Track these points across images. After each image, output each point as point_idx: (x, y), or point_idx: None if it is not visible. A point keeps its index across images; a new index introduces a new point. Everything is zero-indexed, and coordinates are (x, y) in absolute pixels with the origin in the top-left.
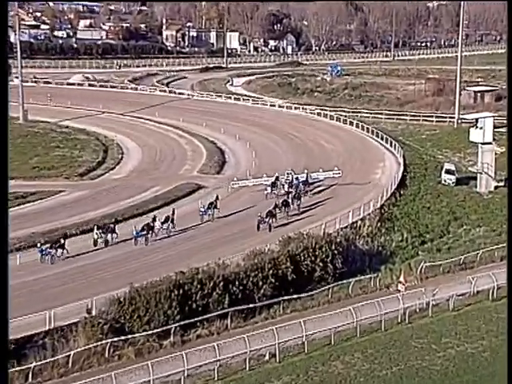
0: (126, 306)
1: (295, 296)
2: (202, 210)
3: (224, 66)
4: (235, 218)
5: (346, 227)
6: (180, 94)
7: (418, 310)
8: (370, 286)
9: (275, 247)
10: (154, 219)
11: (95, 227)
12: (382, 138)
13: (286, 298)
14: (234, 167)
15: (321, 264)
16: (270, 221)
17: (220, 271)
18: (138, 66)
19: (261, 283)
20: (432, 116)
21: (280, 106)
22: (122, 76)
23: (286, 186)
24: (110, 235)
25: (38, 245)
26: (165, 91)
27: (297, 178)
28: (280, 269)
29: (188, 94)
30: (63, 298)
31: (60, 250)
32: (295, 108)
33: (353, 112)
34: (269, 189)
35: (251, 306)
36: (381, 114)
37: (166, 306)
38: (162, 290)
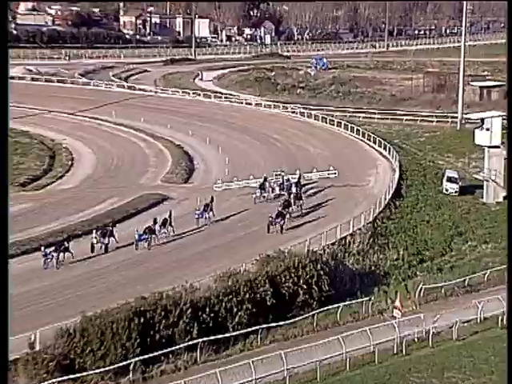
0: (77, 338)
1: (275, 324)
2: (198, 212)
3: (192, 57)
4: (233, 221)
5: (333, 244)
6: (141, 90)
7: (416, 340)
8: (362, 312)
9: (251, 267)
10: (154, 221)
11: (93, 231)
12: (374, 142)
13: (264, 326)
14: (204, 175)
15: (305, 286)
16: (282, 222)
17: (188, 296)
18: (90, 58)
19: (235, 309)
20: (432, 116)
21: (257, 105)
22: (72, 69)
23: (277, 189)
24: (108, 239)
25: (42, 248)
26: (123, 87)
27: (288, 180)
28: (258, 292)
29: (150, 91)
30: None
31: (62, 254)
32: (274, 107)
33: (341, 111)
34: (258, 192)
35: (224, 335)
36: (373, 113)
37: (125, 337)
38: (119, 319)
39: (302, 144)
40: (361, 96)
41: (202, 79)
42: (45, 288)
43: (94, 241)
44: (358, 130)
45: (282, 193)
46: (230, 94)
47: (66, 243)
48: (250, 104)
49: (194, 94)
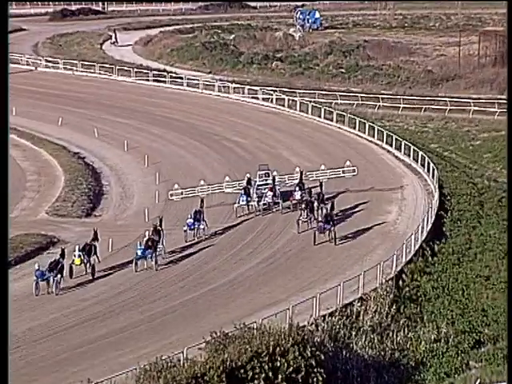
0: None
1: None
2: (189, 222)
3: (100, 9)
4: (235, 233)
5: (332, 314)
6: (14, 62)
7: None
8: None
9: (204, 355)
10: (157, 230)
11: (76, 247)
12: (398, 148)
13: None
14: (121, 203)
15: None
16: (332, 228)
17: None
18: None
19: None
20: (492, 104)
21: (207, 87)
22: None
23: (270, 195)
24: (92, 258)
25: (36, 266)
26: None
27: (283, 182)
28: None
29: (27, 63)
30: None
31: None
32: (235, 91)
33: (344, 97)
34: (242, 199)
35: None
36: (396, 100)
37: None
38: None
39: (280, 151)
40: (376, 73)
41: (116, 44)
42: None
43: (77, 261)
44: (371, 129)
45: (277, 201)
46: (164, 70)
47: (61, 260)
48: (195, 86)
49: (101, 69)
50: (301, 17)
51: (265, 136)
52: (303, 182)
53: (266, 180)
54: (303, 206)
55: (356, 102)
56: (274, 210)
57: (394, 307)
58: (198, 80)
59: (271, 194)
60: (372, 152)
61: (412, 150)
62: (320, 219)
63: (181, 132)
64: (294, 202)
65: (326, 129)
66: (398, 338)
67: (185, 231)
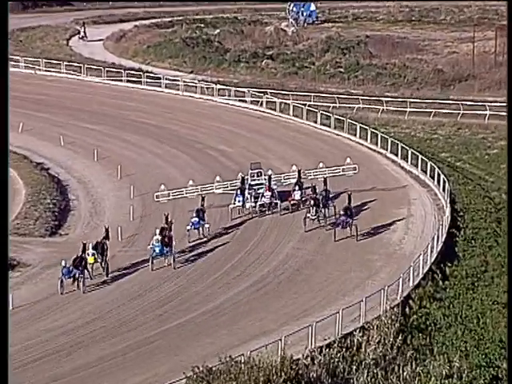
0: None
1: None
2: (196, 221)
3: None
4: (221, 252)
5: (330, 345)
6: None
7: None
8: None
9: None
10: (170, 224)
11: (90, 245)
12: (404, 157)
13: None
14: (89, 220)
15: None
16: (350, 221)
17: None
18: None
19: None
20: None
21: (189, 89)
22: None
23: (268, 195)
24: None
25: (63, 263)
26: None
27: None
28: None
29: None
30: None
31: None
32: (220, 93)
33: (343, 100)
34: (238, 199)
35: None
36: (402, 103)
37: None
38: None
39: (271, 161)
40: (379, 73)
41: (84, 40)
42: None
43: (91, 259)
44: (373, 136)
45: (275, 201)
46: (139, 70)
47: (84, 255)
48: (175, 88)
49: (68, 68)
50: (294, 9)
51: (253, 144)
52: (302, 181)
53: (259, 180)
54: (311, 202)
55: (357, 106)
56: (272, 211)
57: (400, 338)
58: (178, 81)
59: (269, 194)
60: (375, 162)
61: (420, 159)
62: (339, 214)
63: (158, 139)
64: (292, 202)
65: (323, 136)
66: (405, 374)
67: (188, 230)
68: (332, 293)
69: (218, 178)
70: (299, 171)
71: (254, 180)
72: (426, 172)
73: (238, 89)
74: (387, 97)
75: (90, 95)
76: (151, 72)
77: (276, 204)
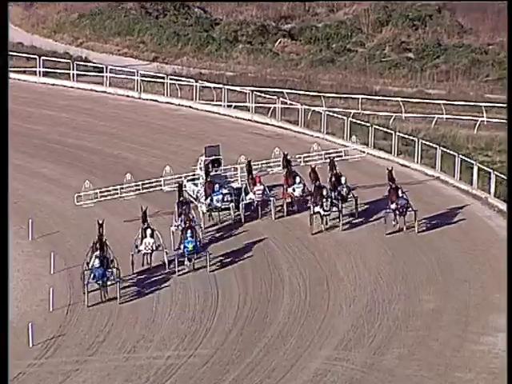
0: None
1: None
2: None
3: None
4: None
5: None
6: None
7: None
8: None
9: None
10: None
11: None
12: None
13: None
14: None
15: None
16: (398, 211)
17: None
18: None
19: None
20: None
21: (150, 87)
22: None
23: (260, 191)
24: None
25: (97, 262)
26: None
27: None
28: None
29: None
30: None
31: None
32: (204, 95)
33: (412, 107)
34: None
35: None
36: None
37: None
38: None
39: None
40: (475, 60)
41: None
42: None
43: (151, 243)
44: (465, 167)
45: (268, 198)
46: (66, 55)
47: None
48: (127, 86)
49: None
50: None
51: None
52: (295, 171)
53: (216, 170)
54: (324, 192)
55: (436, 116)
56: (260, 215)
57: None
58: (132, 74)
59: (261, 188)
60: (470, 214)
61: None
62: (389, 200)
63: (99, 173)
64: (288, 200)
65: (378, 169)
66: None
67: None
68: None
69: (167, 169)
70: (285, 155)
71: (213, 171)
72: None
73: (233, 87)
74: (490, 101)
75: None
76: (86, 59)
77: (269, 202)
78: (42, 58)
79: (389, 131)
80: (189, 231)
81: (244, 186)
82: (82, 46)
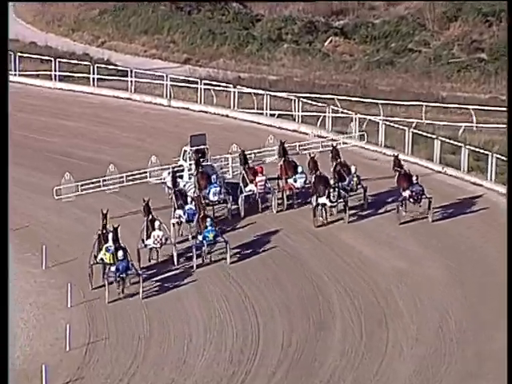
0: None
1: None
2: (191, 210)
3: None
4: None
5: None
6: None
7: None
8: None
9: None
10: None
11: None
12: None
13: None
14: None
15: None
16: (413, 198)
17: None
18: None
19: None
20: None
21: (181, 93)
22: None
23: (262, 181)
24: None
25: (120, 254)
26: None
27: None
28: None
29: None
30: None
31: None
32: (243, 102)
33: (489, 115)
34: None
35: None
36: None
37: None
38: None
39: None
40: (456, 57)
41: None
42: None
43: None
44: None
45: (268, 190)
46: (86, 56)
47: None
48: (154, 93)
49: None
50: None
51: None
52: (294, 160)
53: (202, 161)
54: (330, 182)
55: (415, 121)
56: (260, 209)
57: None
58: (160, 78)
59: (263, 179)
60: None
61: None
62: (402, 188)
63: (122, 191)
64: (288, 192)
65: (453, 190)
66: None
67: (179, 224)
68: None
69: (153, 159)
70: (282, 143)
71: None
72: None
73: (276, 93)
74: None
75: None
76: (108, 61)
77: (269, 195)
78: (58, 60)
79: (458, 144)
80: (208, 220)
81: (241, 176)
82: (103, 47)
